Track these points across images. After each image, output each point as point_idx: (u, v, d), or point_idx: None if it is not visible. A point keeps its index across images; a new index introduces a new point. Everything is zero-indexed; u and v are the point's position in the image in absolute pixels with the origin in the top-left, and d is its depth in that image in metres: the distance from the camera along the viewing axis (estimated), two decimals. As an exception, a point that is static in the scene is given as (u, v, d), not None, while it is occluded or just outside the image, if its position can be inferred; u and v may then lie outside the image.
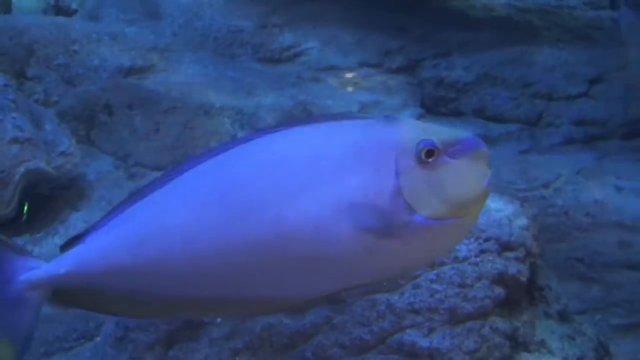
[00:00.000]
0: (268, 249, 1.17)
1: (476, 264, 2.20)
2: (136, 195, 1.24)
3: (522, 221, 2.31)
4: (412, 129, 1.21)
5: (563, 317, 2.40)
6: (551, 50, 4.38)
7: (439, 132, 1.22)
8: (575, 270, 2.90)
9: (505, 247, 2.25)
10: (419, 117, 4.07)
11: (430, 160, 1.19)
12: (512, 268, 2.22)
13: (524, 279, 2.24)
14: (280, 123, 1.19)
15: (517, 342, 2.19)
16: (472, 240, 2.15)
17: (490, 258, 2.22)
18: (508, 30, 4.49)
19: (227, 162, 1.21)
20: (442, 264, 2.18)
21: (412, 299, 2.13)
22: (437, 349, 2.08)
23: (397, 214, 1.16)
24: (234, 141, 1.24)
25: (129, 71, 3.83)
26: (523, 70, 4.27)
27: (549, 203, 3.09)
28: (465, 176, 1.20)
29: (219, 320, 1.82)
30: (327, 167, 1.17)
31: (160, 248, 1.19)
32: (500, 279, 2.19)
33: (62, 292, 1.26)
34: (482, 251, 2.24)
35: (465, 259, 2.19)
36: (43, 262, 1.26)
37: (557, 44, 4.38)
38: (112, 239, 1.22)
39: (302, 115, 3.39)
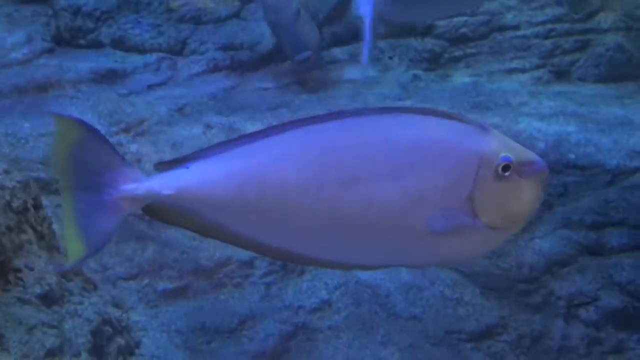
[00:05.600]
0: (350, 220, 1.26)
1: None
2: (244, 139, 1.29)
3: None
4: (497, 142, 1.28)
5: (48, 301, 2.05)
6: (205, -33, 3.98)
7: (516, 149, 1.30)
8: (135, 229, 2.56)
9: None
10: (45, 52, 3.61)
11: (505, 174, 1.27)
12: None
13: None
14: (386, 107, 1.39)
15: (-46, 345, 1.82)
16: None
17: None
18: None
19: (334, 132, 1.29)
20: None
21: None
22: None
23: (462, 217, 1.27)
24: (346, 112, 1.31)
25: None
26: (169, -7, 3.86)
27: (123, 151, 2.72)
28: (526, 196, 1.29)
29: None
30: (417, 159, 1.26)
31: (257, 192, 1.26)
32: None
33: (153, 207, 1.29)
34: None
35: None
36: (146, 177, 1.28)
37: (212, -40, 3.97)
38: (216, 173, 1.27)
39: None
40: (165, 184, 1.27)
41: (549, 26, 3.69)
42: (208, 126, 2.88)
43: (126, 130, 2.88)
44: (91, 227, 1.27)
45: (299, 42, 3.32)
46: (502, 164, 1.27)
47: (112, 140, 2.83)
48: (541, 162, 1.31)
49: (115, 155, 1.29)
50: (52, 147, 1.28)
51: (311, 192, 1.26)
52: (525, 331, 2.40)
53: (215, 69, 3.67)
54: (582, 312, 2.48)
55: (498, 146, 1.28)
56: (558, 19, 3.68)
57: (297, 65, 3.37)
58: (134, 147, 2.77)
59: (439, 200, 1.26)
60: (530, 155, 1.30)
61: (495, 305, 2.43)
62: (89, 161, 1.27)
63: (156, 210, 1.28)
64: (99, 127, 2.90)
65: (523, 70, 3.62)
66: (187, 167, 1.28)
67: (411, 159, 1.26)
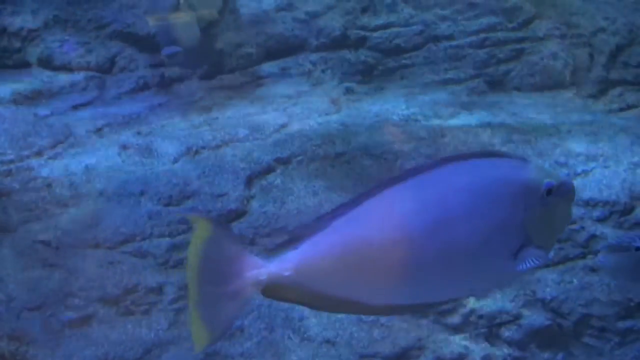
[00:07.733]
0: (437, 263, 1.38)
1: None
2: (341, 209, 1.40)
3: None
4: (538, 170, 1.42)
5: None
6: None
7: (552, 173, 1.43)
8: (41, 255, 2.47)
9: None
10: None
11: (548, 198, 1.40)
12: None
13: None
14: (447, 157, 1.45)
15: None
16: None
17: None
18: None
19: (413, 189, 1.41)
20: None
21: None
22: None
23: (519, 243, 1.39)
24: (420, 168, 1.43)
25: None
26: (98, 10, 3.77)
27: (34, 175, 2.63)
28: (563, 212, 1.43)
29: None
30: (481, 200, 1.40)
31: (359, 259, 1.37)
32: None
33: (271, 288, 1.37)
34: None
35: None
36: (266, 262, 1.37)
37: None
38: (322, 248, 1.38)
39: None
40: (282, 266, 1.38)
41: (483, 35, 3.63)
42: (124, 147, 2.79)
43: (39, 153, 2.78)
44: (216, 316, 1.36)
45: (170, 35, 3.23)
46: (546, 189, 1.40)
47: (23, 164, 2.74)
48: (570, 181, 1.45)
49: (240, 246, 1.38)
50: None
51: (408, 246, 1.37)
52: (444, 353, 2.32)
53: (144, 86, 3.59)
54: (505, 331, 2.41)
55: (540, 174, 1.42)
56: (492, 28, 3.62)
57: (165, 59, 3.24)
58: (45, 171, 2.68)
59: (503, 232, 1.39)
60: (563, 177, 1.44)
61: (413, 327, 2.35)
62: (218, 256, 1.37)
63: (273, 290, 1.38)
64: (9, 151, 2.81)
65: (458, 81, 3.56)
66: (297, 248, 1.39)
67: (476, 200, 1.40)
